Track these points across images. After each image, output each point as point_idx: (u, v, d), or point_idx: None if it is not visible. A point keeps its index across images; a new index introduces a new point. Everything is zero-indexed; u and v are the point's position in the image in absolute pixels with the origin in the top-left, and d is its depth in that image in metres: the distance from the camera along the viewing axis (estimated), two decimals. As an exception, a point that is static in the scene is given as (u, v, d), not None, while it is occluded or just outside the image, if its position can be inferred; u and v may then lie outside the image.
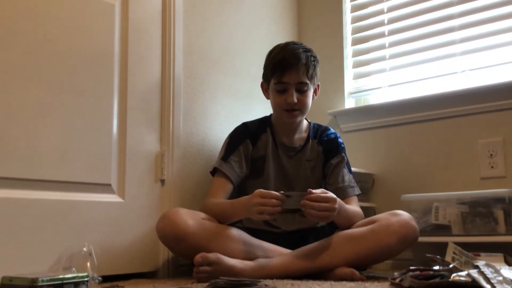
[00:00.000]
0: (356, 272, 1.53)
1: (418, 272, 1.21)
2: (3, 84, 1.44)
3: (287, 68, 1.75)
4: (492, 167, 1.97)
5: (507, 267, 1.38)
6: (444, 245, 1.44)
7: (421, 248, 1.80)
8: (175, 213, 1.58)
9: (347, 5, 2.49)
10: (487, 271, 1.14)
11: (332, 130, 1.93)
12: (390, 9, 2.34)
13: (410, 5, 2.27)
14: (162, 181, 1.84)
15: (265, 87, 1.88)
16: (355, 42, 2.46)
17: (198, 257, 1.47)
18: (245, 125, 1.90)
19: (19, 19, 1.49)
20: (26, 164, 1.47)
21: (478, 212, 1.79)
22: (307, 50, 1.80)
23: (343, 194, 1.75)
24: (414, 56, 2.25)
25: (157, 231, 1.60)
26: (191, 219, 1.58)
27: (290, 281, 1.43)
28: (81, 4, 1.65)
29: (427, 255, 1.36)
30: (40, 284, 1.11)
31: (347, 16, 2.49)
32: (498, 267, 1.18)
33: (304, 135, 1.89)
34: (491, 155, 1.97)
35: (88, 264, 1.35)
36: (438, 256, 1.32)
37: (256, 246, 1.63)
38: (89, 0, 1.68)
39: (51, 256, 1.42)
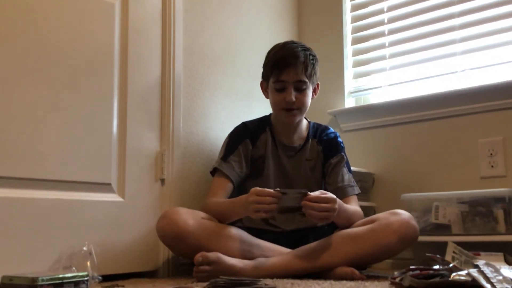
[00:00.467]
0: (356, 272, 1.53)
1: (418, 272, 1.21)
2: (3, 84, 1.44)
3: (285, 67, 1.75)
4: (492, 166, 1.97)
5: (507, 266, 1.38)
6: (444, 245, 1.44)
7: (421, 248, 1.80)
8: (175, 213, 1.58)
9: (347, 5, 2.49)
10: (487, 271, 1.14)
11: (332, 130, 1.93)
12: (390, 8, 2.34)
13: (410, 4, 2.27)
14: (162, 181, 1.84)
15: (264, 86, 1.89)
16: (355, 41, 2.46)
17: (198, 257, 1.48)
18: (244, 125, 1.90)
19: (19, 19, 1.49)
20: (26, 164, 1.47)
21: (478, 211, 1.79)
22: (306, 49, 1.80)
23: (342, 193, 1.75)
24: (414, 55, 2.25)
25: (157, 230, 1.60)
26: (191, 218, 1.58)
27: (290, 281, 1.43)
28: (81, 4, 1.65)
29: (427, 254, 1.36)
30: (40, 283, 1.11)
31: (347, 15, 2.48)
32: (498, 267, 1.18)
33: (304, 134, 1.89)
34: (491, 154, 1.97)
35: (88, 263, 1.35)
36: (438, 256, 1.32)
37: (256, 245, 1.63)
38: (89, 0, 1.68)
39: (51, 256, 1.43)
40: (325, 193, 1.55)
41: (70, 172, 1.57)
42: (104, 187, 1.67)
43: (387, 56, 2.33)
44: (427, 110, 2.14)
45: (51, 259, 1.44)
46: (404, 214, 1.60)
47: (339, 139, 1.90)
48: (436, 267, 1.24)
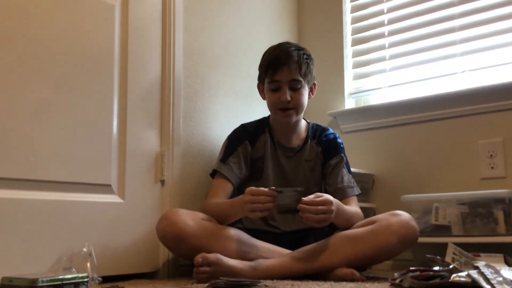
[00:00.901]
0: (356, 273, 1.53)
1: (418, 273, 1.21)
2: (3, 84, 1.44)
3: (279, 66, 1.75)
4: (492, 167, 1.97)
5: (507, 267, 1.38)
6: (444, 246, 1.44)
7: (421, 249, 1.80)
8: (175, 214, 1.58)
9: (347, 6, 2.49)
10: (487, 272, 1.14)
11: (331, 131, 1.93)
12: (390, 10, 2.34)
13: (410, 5, 2.27)
14: (162, 182, 1.84)
15: (261, 88, 1.89)
16: (355, 42, 2.46)
17: (198, 258, 1.47)
18: (243, 127, 1.90)
19: (19, 20, 1.49)
20: (26, 165, 1.47)
21: (478, 212, 1.79)
22: (300, 49, 1.81)
23: (342, 194, 1.75)
24: (414, 56, 2.25)
25: (157, 231, 1.60)
26: (191, 219, 1.58)
27: (290, 282, 1.43)
28: (81, 4, 1.65)
29: (427, 255, 1.36)
30: (40, 284, 1.11)
31: (347, 16, 2.49)
32: (498, 268, 1.18)
33: (303, 135, 1.89)
34: (491, 155, 1.97)
35: (88, 264, 1.35)
36: (438, 257, 1.32)
37: (256, 246, 1.63)
38: (89, 1, 1.68)
39: (51, 257, 1.43)
40: (321, 195, 1.55)
41: (70, 173, 1.57)
42: (104, 188, 1.67)
43: (387, 57, 2.33)
44: (427, 111, 2.14)
45: (51, 260, 1.44)
46: (404, 215, 1.60)
47: (339, 140, 1.90)
48: (436, 268, 1.24)
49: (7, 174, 1.43)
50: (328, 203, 1.53)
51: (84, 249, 1.38)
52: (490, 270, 1.15)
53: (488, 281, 1.10)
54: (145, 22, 1.85)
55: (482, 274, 1.13)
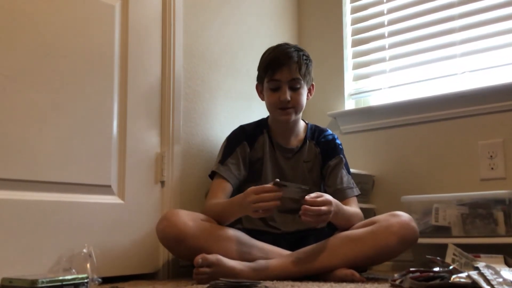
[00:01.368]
0: (356, 274, 1.53)
1: (418, 274, 1.21)
2: (3, 85, 1.44)
3: (279, 66, 1.76)
4: (492, 168, 1.97)
5: (507, 268, 1.38)
6: (444, 247, 1.44)
7: (421, 250, 1.80)
8: (175, 215, 1.58)
9: (347, 7, 2.49)
10: (487, 273, 1.14)
11: (330, 132, 1.93)
12: (390, 11, 2.34)
13: (410, 6, 2.28)
14: (162, 183, 1.84)
15: (260, 89, 1.89)
16: (355, 43, 2.46)
17: (198, 259, 1.47)
18: (241, 128, 1.90)
19: (19, 21, 1.49)
20: (26, 166, 1.47)
21: (478, 213, 1.79)
22: (299, 50, 1.81)
23: (342, 195, 1.75)
24: (414, 57, 2.25)
25: (157, 232, 1.60)
26: (191, 220, 1.58)
27: (290, 283, 1.43)
28: (81, 5, 1.65)
29: (427, 256, 1.36)
30: (40, 285, 1.11)
31: (347, 17, 2.49)
32: (498, 269, 1.18)
33: (302, 136, 1.89)
34: (491, 156, 1.97)
35: (88, 265, 1.35)
36: (438, 258, 1.32)
37: (256, 247, 1.63)
38: (89, 2, 1.68)
39: (51, 258, 1.43)
40: (321, 195, 1.55)
41: (70, 174, 1.57)
42: (104, 189, 1.67)
43: (387, 58, 2.33)
44: (427, 112, 2.14)
45: (51, 261, 1.44)
46: (404, 216, 1.60)
47: (337, 141, 1.90)
48: (436, 269, 1.24)
49: (7, 175, 1.43)
50: (327, 203, 1.54)
51: (84, 250, 1.38)
52: (490, 271, 1.15)
53: (488, 282, 1.10)
54: (145, 23, 1.85)
55: (482, 275, 1.13)
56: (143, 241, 1.74)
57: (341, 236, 1.61)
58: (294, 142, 1.88)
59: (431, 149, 2.13)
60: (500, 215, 1.75)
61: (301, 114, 1.86)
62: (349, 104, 2.43)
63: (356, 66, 2.44)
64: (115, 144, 1.71)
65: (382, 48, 2.36)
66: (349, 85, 2.45)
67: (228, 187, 1.77)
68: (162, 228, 1.58)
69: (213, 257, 1.48)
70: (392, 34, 2.33)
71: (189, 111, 1.97)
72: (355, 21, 2.47)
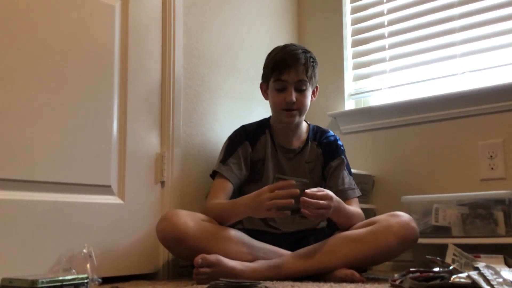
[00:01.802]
0: (356, 274, 1.53)
1: (418, 274, 1.21)
2: (3, 85, 1.44)
3: (286, 67, 1.76)
4: (492, 168, 1.97)
5: (507, 268, 1.38)
6: (444, 247, 1.44)
7: (421, 250, 1.80)
8: (175, 215, 1.58)
9: (347, 7, 2.49)
10: (487, 273, 1.14)
11: (332, 133, 1.93)
12: (390, 11, 2.34)
13: (410, 6, 2.28)
14: (162, 183, 1.84)
15: (264, 88, 1.89)
16: (355, 43, 2.46)
17: (198, 259, 1.47)
18: (243, 128, 1.90)
19: (19, 21, 1.49)
20: (26, 166, 1.47)
21: (478, 213, 1.79)
22: (306, 52, 1.81)
23: (343, 196, 1.75)
24: (414, 57, 2.25)
25: (157, 232, 1.60)
26: (191, 220, 1.58)
27: (290, 283, 1.43)
28: (81, 5, 1.65)
29: (427, 256, 1.36)
30: (39, 285, 1.11)
31: (347, 17, 2.49)
32: (498, 269, 1.18)
33: (304, 137, 1.89)
34: (491, 156, 1.97)
35: (88, 265, 1.35)
36: (438, 258, 1.32)
37: (256, 247, 1.63)
38: (89, 2, 1.68)
39: (51, 258, 1.42)
40: (322, 190, 1.56)
41: (70, 174, 1.57)
42: (104, 189, 1.67)
43: (387, 59, 2.33)
44: (427, 112, 2.14)
45: (51, 261, 1.43)
46: (404, 216, 1.60)
47: (339, 142, 1.90)
48: (436, 269, 1.24)
49: (7, 175, 1.43)
50: (328, 198, 1.55)
51: (84, 250, 1.38)
52: (490, 271, 1.15)
53: (488, 282, 1.10)
54: (145, 23, 1.85)
55: (482, 275, 1.13)
56: (143, 241, 1.74)
57: (341, 236, 1.61)
58: (296, 143, 1.88)
59: (431, 149, 2.13)
60: (500, 215, 1.75)
61: (304, 115, 1.86)
62: (349, 104, 2.43)
63: (356, 66, 2.44)
64: (115, 144, 1.71)
65: (382, 48, 2.36)
66: (349, 85, 2.45)
67: (229, 187, 1.77)
68: (162, 228, 1.57)
69: (213, 257, 1.48)
70: (392, 34, 2.33)
71: (189, 111, 1.96)
72: (355, 21, 2.47)
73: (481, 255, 1.62)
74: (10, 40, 1.47)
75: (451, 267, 1.22)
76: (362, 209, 1.79)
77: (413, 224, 1.59)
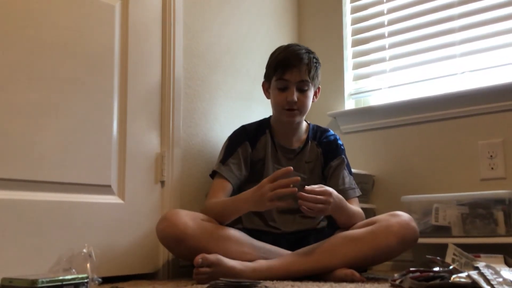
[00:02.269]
0: (356, 273, 1.53)
1: (418, 274, 1.21)
2: (3, 85, 1.44)
3: (289, 67, 1.76)
4: (492, 168, 1.97)
5: (507, 268, 1.38)
6: (444, 247, 1.44)
7: (421, 250, 1.80)
8: (175, 215, 1.58)
9: (347, 7, 2.49)
10: (487, 273, 1.14)
11: (332, 132, 1.93)
12: (390, 11, 2.34)
13: (410, 6, 2.28)
14: (162, 183, 1.84)
15: (266, 86, 1.89)
16: (355, 43, 2.46)
17: (198, 258, 1.47)
18: (243, 128, 1.90)
19: (19, 20, 1.49)
20: (26, 166, 1.47)
21: (478, 213, 1.79)
22: (310, 52, 1.81)
23: (344, 196, 1.74)
24: (414, 57, 2.25)
25: (157, 232, 1.60)
26: (191, 220, 1.58)
27: (290, 283, 1.43)
28: (81, 5, 1.65)
29: (427, 256, 1.36)
30: (40, 285, 1.11)
31: (347, 17, 2.49)
32: (498, 269, 1.18)
33: (304, 137, 1.89)
34: (491, 156, 1.97)
35: (88, 265, 1.34)
36: (438, 258, 1.32)
37: (256, 247, 1.63)
38: (89, 2, 1.68)
39: (51, 257, 1.42)
40: (322, 187, 1.57)
41: (70, 174, 1.57)
42: (104, 189, 1.67)
43: (387, 58, 2.33)
44: (427, 112, 2.14)
45: (51, 261, 1.43)
46: (404, 216, 1.60)
47: (339, 142, 1.90)
48: (436, 269, 1.24)
49: (7, 174, 1.43)
50: (327, 194, 1.55)
51: (84, 250, 1.38)
52: (490, 270, 1.15)
53: (488, 282, 1.10)
54: (145, 23, 1.85)
55: (482, 275, 1.13)
56: (143, 241, 1.74)
57: (341, 236, 1.61)
58: (296, 143, 1.88)
59: (431, 149, 2.13)
60: (500, 215, 1.75)
61: (305, 116, 1.86)
62: (349, 104, 2.43)
63: (356, 66, 2.44)
64: (115, 144, 1.71)
65: (382, 48, 2.36)
66: (349, 85, 2.45)
67: (229, 187, 1.77)
68: (162, 228, 1.58)
69: (213, 257, 1.48)
70: (392, 34, 2.33)
71: (189, 111, 1.96)
72: (355, 21, 2.47)
73: (481, 255, 1.62)
74: (10, 39, 1.47)
75: (451, 267, 1.22)
76: (362, 208, 1.79)
77: (413, 224, 1.59)
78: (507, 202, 1.75)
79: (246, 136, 1.86)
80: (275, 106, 1.85)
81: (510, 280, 1.11)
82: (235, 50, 2.21)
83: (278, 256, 1.61)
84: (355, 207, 1.73)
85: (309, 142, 1.88)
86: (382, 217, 1.63)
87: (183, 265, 1.81)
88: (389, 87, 2.32)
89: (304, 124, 1.91)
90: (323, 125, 2.03)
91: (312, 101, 1.85)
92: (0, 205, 1.40)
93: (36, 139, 1.50)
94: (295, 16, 2.61)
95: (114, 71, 1.74)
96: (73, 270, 1.30)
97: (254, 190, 1.57)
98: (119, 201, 1.71)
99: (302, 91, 1.78)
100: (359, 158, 2.25)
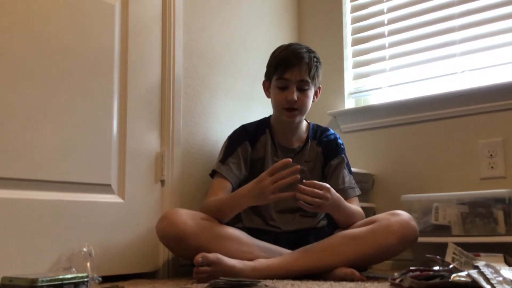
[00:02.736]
0: (356, 273, 1.53)
1: (418, 273, 1.21)
2: (3, 84, 1.44)
3: (289, 66, 1.76)
4: (492, 167, 1.97)
5: (507, 267, 1.38)
6: (444, 246, 1.44)
7: (421, 249, 1.80)
8: (175, 214, 1.58)
9: (347, 6, 2.49)
10: (487, 272, 1.14)
11: (332, 131, 1.93)
12: (390, 10, 2.34)
13: (410, 5, 2.28)
14: (162, 182, 1.84)
15: (266, 85, 1.89)
16: (355, 42, 2.46)
17: (198, 257, 1.47)
18: (243, 128, 1.90)
19: (19, 20, 1.49)
20: (26, 165, 1.47)
21: (478, 212, 1.79)
22: (311, 51, 1.81)
23: (344, 195, 1.75)
24: (414, 56, 2.25)
25: (157, 231, 1.60)
26: (191, 219, 1.58)
27: (290, 282, 1.43)
28: (81, 4, 1.65)
29: (427, 255, 1.36)
30: (40, 284, 1.11)
31: (347, 16, 2.49)
32: (498, 268, 1.18)
33: (303, 136, 1.89)
34: (491, 155, 1.97)
35: (88, 264, 1.35)
36: (438, 257, 1.32)
37: (256, 246, 1.63)
38: (89, 1, 1.68)
39: (51, 257, 1.43)
40: (321, 183, 1.57)
41: (70, 173, 1.57)
42: (104, 188, 1.67)
43: (387, 57, 2.33)
44: (427, 111, 2.14)
45: (51, 260, 1.44)
46: (404, 215, 1.60)
47: (339, 141, 1.90)
48: (436, 268, 1.23)
49: (7, 174, 1.43)
50: (325, 188, 1.56)
51: (84, 249, 1.38)
52: (490, 270, 1.15)
53: (488, 281, 1.10)
54: (145, 22, 1.85)
55: (482, 273, 1.13)
56: (143, 240, 1.74)
57: (341, 235, 1.61)
58: (296, 143, 1.88)
59: (431, 148, 2.13)
60: (500, 214, 1.75)
61: (305, 115, 1.86)
62: (349, 103, 2.43)
63: (356, 65, 2.44)
64: (115, 143, 1.71)
65: (382, 47, 2.36)
66: (349, 84, 2.45)
67: (228, 186, 1.77)
68: (162, 227, 1.58)
69: (213, 256, 1.48)
70: (392, 33, 2.33)
71: (189, 110, 1.97)
72: (355, 20, 2.47)
73: (481, 254, 1.62)
74: (10, 39, 1.47)
75: (451, 266, 1.22)
76: (362, 208, 1.79)
77: (413, 223, 1.59)
78: (507, 201, 1.75)
79: (246, 136, 1.86)
80: (275, 105, 1.85)
81: (510, 279, 1.11)
82: (235, 49, 2.21)
83: (278, 255, 1.61)
84: (355, 206, 1.73)
85: (309, 141, 1.88)
86: (382, 216, 1.63)
87: (183, 264, 1.81)
88: (389, 86, 2.33)
89: (304, 124, 1.91)
90: (323, 124, 2.03)
91: (313, 101, 1.85)
92: (0, 204, 1.40)
93: (36, 138, 1.50)
94: (295, 16, 2.61)
95: (114, 70, 1.74)
96: (73, 269, 1.30)
97: (253, 184, 1.57)
98: (119, 200, 1.71)
99: (302, 91, 1.78)
100: (359, 157, 2.25)
